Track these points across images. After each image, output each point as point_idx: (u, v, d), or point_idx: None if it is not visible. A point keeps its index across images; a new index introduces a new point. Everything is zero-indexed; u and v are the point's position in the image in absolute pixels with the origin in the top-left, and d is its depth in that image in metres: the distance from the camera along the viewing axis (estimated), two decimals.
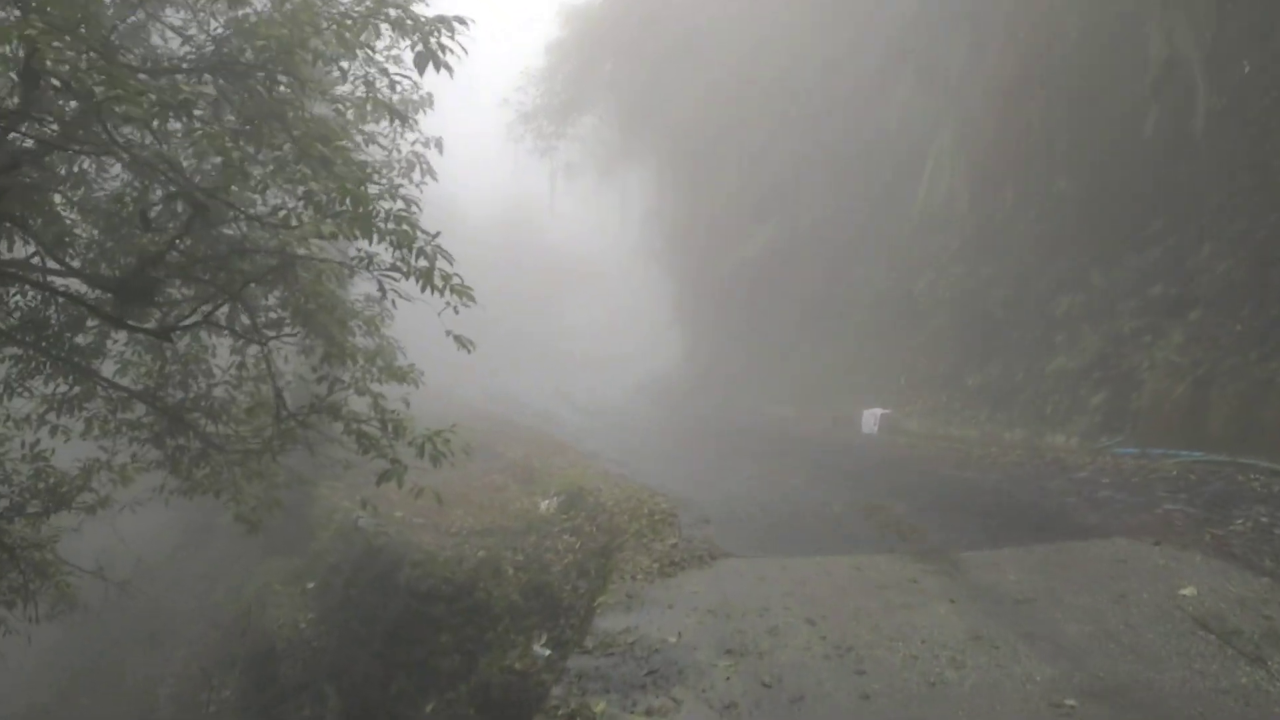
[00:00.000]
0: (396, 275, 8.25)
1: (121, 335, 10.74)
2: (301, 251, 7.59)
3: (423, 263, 7.97)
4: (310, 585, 14.58)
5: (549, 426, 22.16)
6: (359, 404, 10.34)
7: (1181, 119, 14.43)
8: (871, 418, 19.51)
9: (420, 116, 12.82)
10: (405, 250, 7.70)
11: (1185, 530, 9.40)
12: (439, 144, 12.84)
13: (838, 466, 15.33)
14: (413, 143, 12.80)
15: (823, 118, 23.54)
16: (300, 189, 8.04)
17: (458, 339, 9.65)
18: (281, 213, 8.25)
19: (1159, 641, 6.63)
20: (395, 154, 12.79)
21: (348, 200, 7.51)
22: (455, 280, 8.18)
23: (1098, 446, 14.78)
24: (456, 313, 8.54)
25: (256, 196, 8.29)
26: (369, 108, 9.80)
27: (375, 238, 7.67)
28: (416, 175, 12.91)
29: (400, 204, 9.13)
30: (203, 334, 11.11)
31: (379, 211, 7.67)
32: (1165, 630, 6.81)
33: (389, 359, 12.12)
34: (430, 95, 13.11)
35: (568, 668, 6.81)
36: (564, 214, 49.09)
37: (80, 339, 10.30)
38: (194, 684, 15.80)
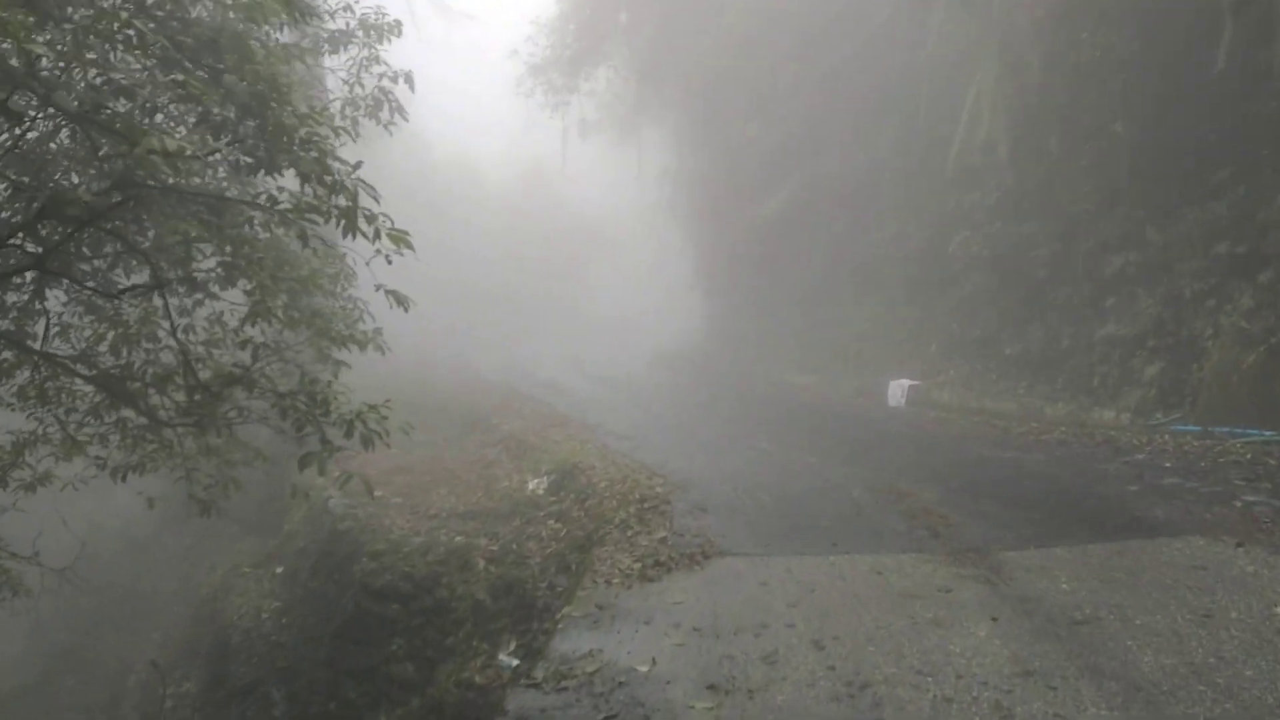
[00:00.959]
0: (317, 219, 6.80)
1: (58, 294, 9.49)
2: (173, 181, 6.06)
3: (342, 200, 6.51)
4: (279, 570, 13.33)
5: (554, 397, 20.76)
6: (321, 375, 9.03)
7: (1256, 50, 12.62)
8: (898, 389, 17.94)
9: (386, 46, 11.35)
10: (318, 185, 6.23)
11: (1273, 528, 7.84)
12: (409, 79, 11.32)
13: (860, 442, 13.80)
14: (379, 77, 11.30)
15: (850, 60, 21.73)
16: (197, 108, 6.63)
17: (392, 294, 8.24)
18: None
19: (1261, 681, 5.15)
20: (358, 89, 11.31)
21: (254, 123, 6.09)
22: (383, 223, 6.71)
23: (1153, 424, 13.19)
24: (389, 262, 7.11)
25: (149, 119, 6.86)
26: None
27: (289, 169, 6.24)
28: (385, 114, 11.44)
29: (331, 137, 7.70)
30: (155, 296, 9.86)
31: (295, 139, 6.23)
32: (1267, 665, 5.31)
33: (349, 322, 10.78)
34: (399, 22, 11.63)
35: (506, 709, 5.40)
36: (581, 174, 47.59)
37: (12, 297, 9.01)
38: (161, 671, 14.70)
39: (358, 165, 6.55)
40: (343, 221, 6.67)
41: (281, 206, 6.69)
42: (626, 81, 31.66)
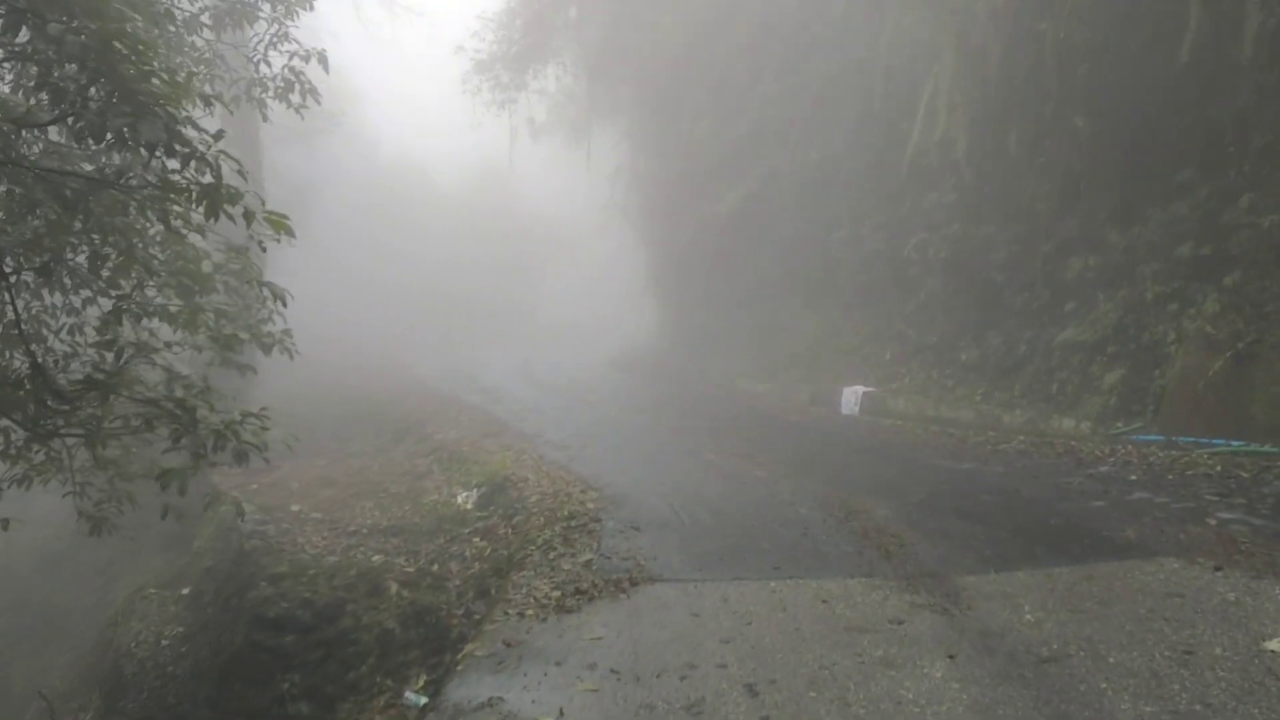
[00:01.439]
0: (177, 201, 5.87)
1: None
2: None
3: (207, 178, 5.61)
4: (185, 591, 12.25)
5: (495, 404, 19.84)
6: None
7: (1223, 43, 12.09)
8: (852, 396, 17.26)
9: (295, 23, 10.43)
10: (166, 157, 5.32)
11: (1252, 549, 7.18)
12: (322, 58, 10.39)
13: (811, 453, 13.06)
14: (290, 56, 10.38)
15: (806, 53, 21.09)
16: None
17: (269, 286, 7.34)
18: None
19: None
20: (266, 69, 10.38)
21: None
22: (253, 203, 5.81)
23: (1114, 433, 12.60)
24: (264, 249, 6.22)
25: None
26: None
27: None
28: (295, 97, 10.53)
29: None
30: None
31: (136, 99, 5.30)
32: (1260, 713, 4.61)
33: (252, 323, 9.84)
34: None
35: None
36: (534, 175, 46.68)
37: None
38: (63, 698, 13.55)
39: (219, 135, 5.64)
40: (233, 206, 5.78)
41: (132, 183, 5.74)
42: (577, 79, 30.80)
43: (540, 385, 24.31)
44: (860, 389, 17.22)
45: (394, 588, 8.86)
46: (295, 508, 13.18)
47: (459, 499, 12.38)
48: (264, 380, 24.71)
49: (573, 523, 8.91)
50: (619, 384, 24.62)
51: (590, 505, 9.66)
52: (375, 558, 10.81)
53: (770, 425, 16.34)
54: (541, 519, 9.56)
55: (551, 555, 7.97)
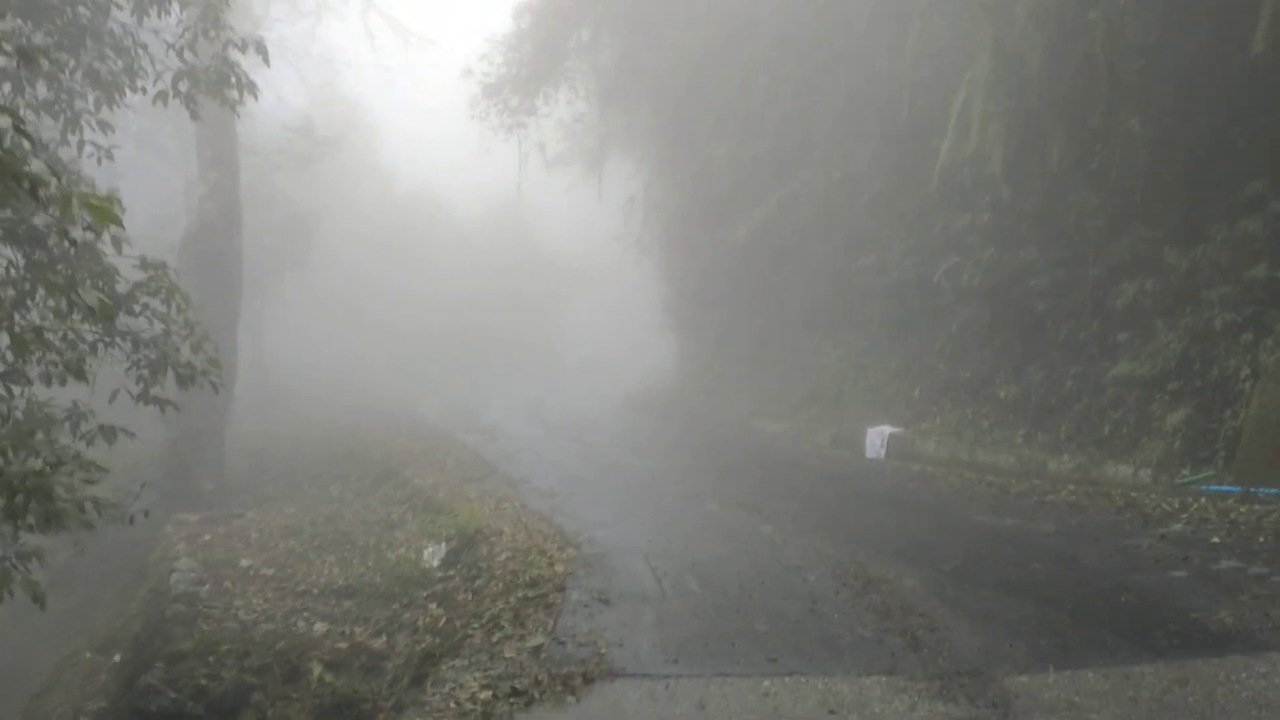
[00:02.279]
0: None
1: None
2: None
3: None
4: (116, 659, 10.80)
5: (488, 445, 18.30)
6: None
7: None
8: (878, 437, 15.60)
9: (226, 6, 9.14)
10: None
11: None
12: (260, 48, 9.08)
13: (827, 505, 11.44)
14: (225, 45, 9.08)
15: (826, 67, 19.64)
16: None
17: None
18: None
19: None
20: (191, 57, 9.06)
21: None
22: (72, 185, 4.40)
23: (1180, 483, 10.89)
24: (73, 246, 4.82)
25: None
26: None
27: None
28: (231, 92, 9.20)
29: None
30: None
31: None
32: None
33: (168, 351, 8.46)
34: None
35: None
36: (552, 208, 45.67)
37: None
38: None
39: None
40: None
41: None
42: (590, 103, 29.56)
43: (544, 424, 22.79)
44: (886, 430, 15.57)
45: (317, 671, 7.35)
46: (245, 562, 11.72)
47: (425, 554, 10.87)
48: (245, 419, 23.47)
49: (532, 591, 7.35)
50: (627, 423, 23.06)
51: (560, 569, 8.09)
52: (317, 626, 9.32)
53: (784, 470, 14.72)
54: (500, 584, 8.01)
55: (496, 637, 6.41)
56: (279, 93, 36.17)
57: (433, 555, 10.69)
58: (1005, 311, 14.93)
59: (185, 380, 8.36)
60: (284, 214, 26.98)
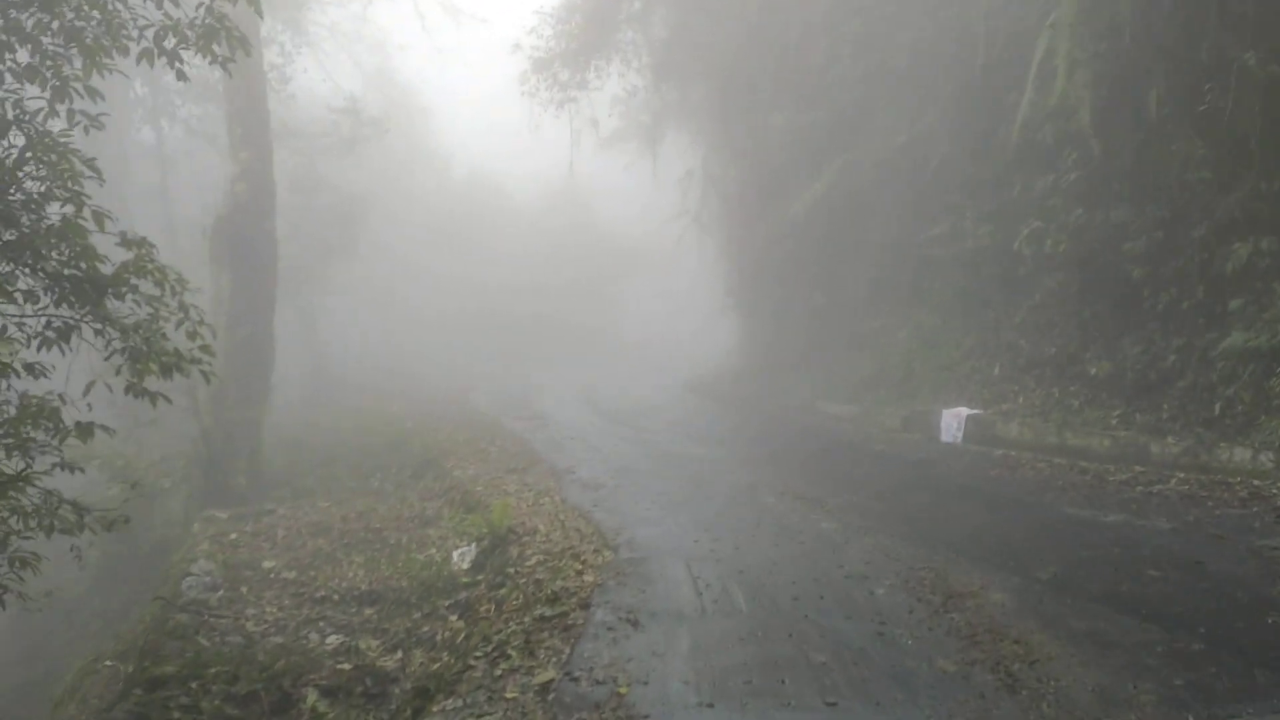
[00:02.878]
0: None
1: None
2: None
3: None
4: (130, 669, 10.12)
5: (537, 433, 17.33)
6: None
7: None
8: (953, 419, 14.27)
9: None
10: None
11: None
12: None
13: (897, 496, 10.21)
14: None
15: (892, 22, 18.16)
16: None
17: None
18: None
19: None
20: (174, 10, 8.18)
21: None
22: None
23: None
24: None
25: None
26: None
27: None
28: (221, 48, 8.31)
29: None
30: None
31: None
32: None
33: (152, 338, 7.63)
34: None
35: None
36: (611, 187, 44.67)
37: None
38: None
39: None
40: None
41: None
42: (642, 76, 28.35)
43: (597, 410, 21.80)
44: (963, 411, 14.23)
45: (311, 699, 6.45)
46: (268, 564, 10.96)
47: (455, 556, 9.96)
48: (293, 409, 22.95)
49: (551, 610, 6.33)
50: (685, 409, 21.97)
51: (589, 578, 7.07)
52: (330, 639, 8.47)
53: (853, 457, 13.50)
54: (521, 597, 7.02)
55: (500, 669, 5.41)
56: (333, 78, 35.83)
57: (462, 557, 9.77)
58: (1095, 279, 13.46)
59: (168, 370, 7.52)
60: (329, 200, 26.39)
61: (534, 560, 8.37)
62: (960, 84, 16.48)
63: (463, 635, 7.45)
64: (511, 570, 8.23)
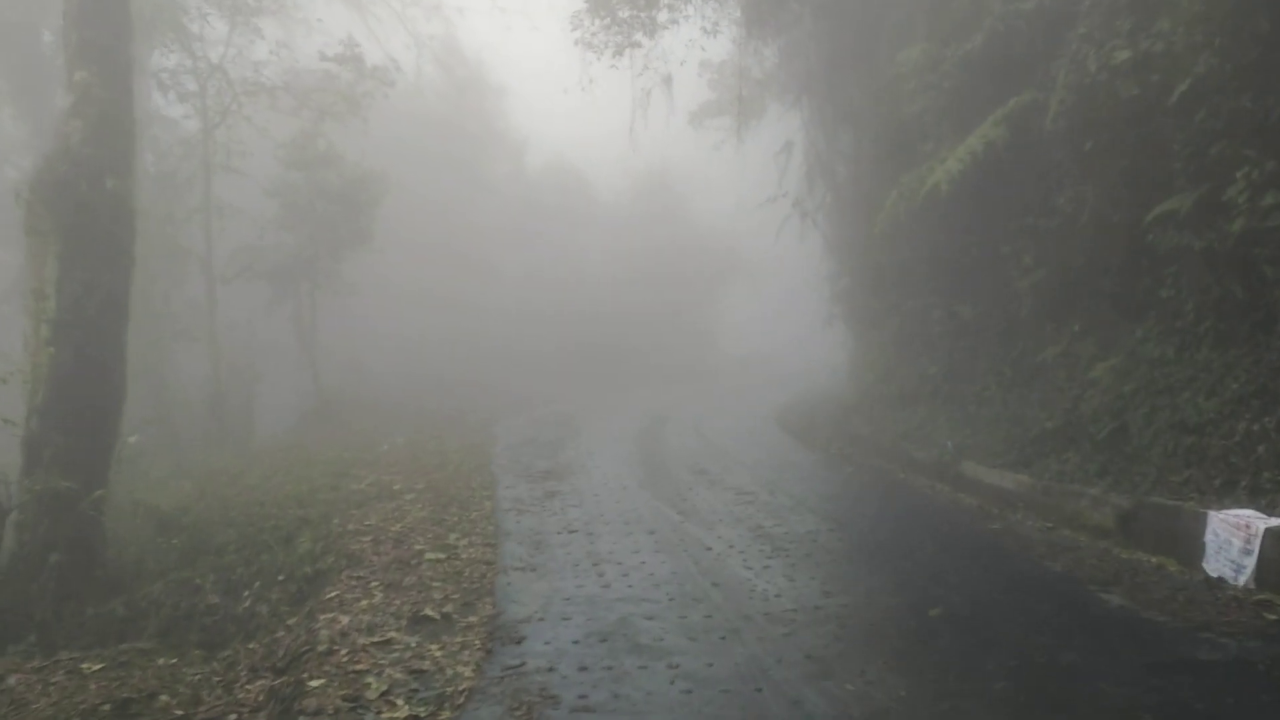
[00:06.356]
0: None
1: None
2: None
3: None
4: None
5: (531, 512, 11.28)
6: None
7: None
8: (1234, 534, 7.75)
9: None
10: None
11: None
12: None
13: None
14: None
15: None
16: None
17: None
18: None
19: None
20: None
21: None
22: None
23: None
24: None
25: None
26: None
27: None
28: None
29: None
30: None
31: None
32: None
33: None
34: None
35: None
36: (705, 177, 38.95)
37: None
38: None
39: None
40: None
41: None
42: (727, 22, 22.18)
43: (646, 462, 15.70)
44: (1257, 522, 7.66)
45: None
46: None
47: None
48: (234, 443, 17.55)
49: None
50: (768, 463, 15.68)
51: None
52: None
53: (1009, 601, 7.16)
54: None
55: None
56: (386, 49, 30.88)
57: None
58: None
59: None
60: (339, 177, 21.19)
61: None
62: None
63: None
64: None
